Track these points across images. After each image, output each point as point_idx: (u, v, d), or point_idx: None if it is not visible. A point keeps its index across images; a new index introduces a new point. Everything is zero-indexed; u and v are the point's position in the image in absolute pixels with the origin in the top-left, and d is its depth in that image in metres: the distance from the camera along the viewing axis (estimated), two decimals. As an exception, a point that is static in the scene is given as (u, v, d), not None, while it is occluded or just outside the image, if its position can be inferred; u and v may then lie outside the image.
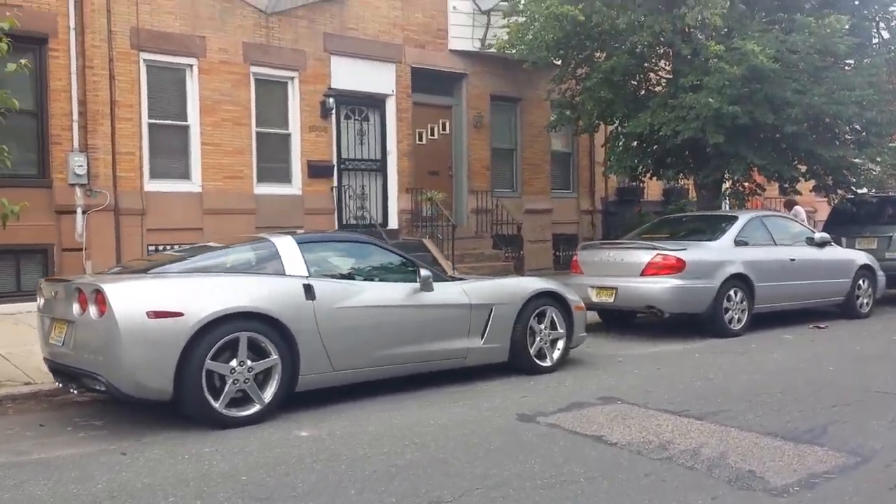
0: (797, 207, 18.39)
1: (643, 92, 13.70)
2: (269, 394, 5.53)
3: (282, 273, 5.86)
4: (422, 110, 15.35)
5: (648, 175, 14.71)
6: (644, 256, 9.44)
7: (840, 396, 6.11)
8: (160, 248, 11.88)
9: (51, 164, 11.09)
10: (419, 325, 6.38)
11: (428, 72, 15.15)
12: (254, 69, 12.91)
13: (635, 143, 13.80)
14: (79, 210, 11.13)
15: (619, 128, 13.94)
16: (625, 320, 10.37)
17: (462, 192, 15.92)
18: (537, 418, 5.52)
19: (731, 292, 9.57)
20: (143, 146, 11.87)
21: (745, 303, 9.71)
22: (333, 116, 13.89)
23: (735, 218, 10.35)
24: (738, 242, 9.98)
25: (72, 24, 11.05)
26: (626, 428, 5.23)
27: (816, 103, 11.48)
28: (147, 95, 11.97)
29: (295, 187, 13.45)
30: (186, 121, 12.34)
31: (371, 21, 14.29)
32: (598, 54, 13.31)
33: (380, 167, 14.69)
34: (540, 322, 7.28)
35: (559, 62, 13.82)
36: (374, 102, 14.59)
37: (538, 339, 7.25)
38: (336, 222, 13.84)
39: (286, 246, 6.07)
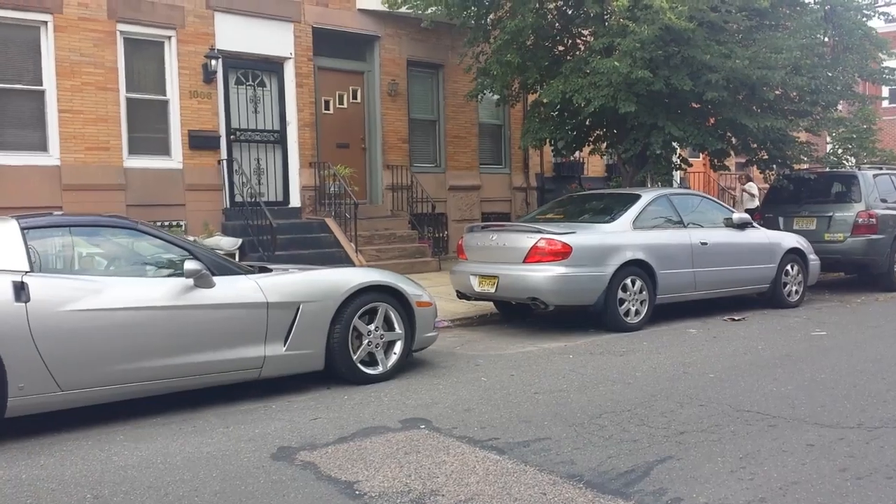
0: (750, 184, 17.33)
1: (553, 56, 12.42)
2: (-47, 423, 4.30)
3: (-17, 268, 4.61)
4: (328, 76, 14.04)
5: (567, 149, 13.49)
6: (527, 241, 8.25)
7: (699, 418, 4.97)
8: (9, 228, 10.59)
9: None
10: (191, 331, 5.16)
11: (333, 33, 13.82)
12: (121, 27, 11.54)
13: (554, 113, 12.57)
14: None
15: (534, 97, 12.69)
16: (525, 312, 9.18)
17: (376, 166, 14.65)
18: (299, 453, 4.33)
19: (628, 281, 8.42)
20: (-17, 114, 10.50)
21: (644, 293, 8.57)
22: (220, 81, 12.55)
23: (637, 197, 9.16)
24: (638, 225, 8.81)
25: None
26: (397, 469, 4.05)
27: (739, 67, 10.28)
28: (-8, 56, 10.58)
29: (175, 160, 12.13)
30: (41, 85, 10.96)
31: (264, -25, 12.91)
32: (506, 14, 12.01)
33: (278, 139, 13.39)
34: (369, 322, 6.08)
35: (460, 22, 12.52)
36: (271, 66, 13.25)
37: (365, 342, 6.05)
38: (226, 200, 12.57)
39: (5, 232, 4.81)
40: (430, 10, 12.73)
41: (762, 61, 10.38)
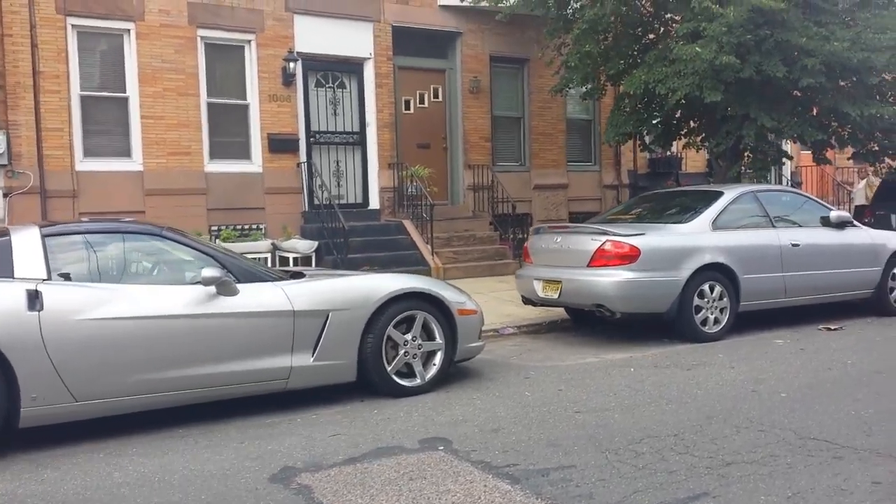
0: (871, 178, 15.98)
1: (638, 46, 11.74)
2: (-31, 433, 4.31)
3: (9, 275, 4.60)
4: (408, 75, 13.86)
5: (656, 143, 12.77)
6: (591, 243, 7.74)
7: (753, 446, 4.40)
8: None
9: (-32, 144, 10.25)
10: (211, 340, 5.02)
11: (413, 31, 13.62)
12: (202, 32, 11.74)
13: (639, 106, 11.91)
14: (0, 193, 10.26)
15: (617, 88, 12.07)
16: (598, 320, 8.63)
17: (457, 166, 14.38)
18: (300, 475, 4.09)
19: (705, 287, 7.77)
20: (75, 121, 10.91)
21: (725, 299, 7.88)
22: (299, 83, 12.60)
23: (718, 195, 8.45)
24: (719, 225, 8.12)
25: (-15, -11, 10.11)
26: (395, 498, 3.74)
27: (838, 50, 9.35)
28: (78, 65, 10.97)
29: (255, 164, 12.25)
30: (125, 92, 11.29)
31: (342, -25, 12.85)
32: (588, 2, 11.43)
33: (358, 140, 13.32)
34: (406, 332, 5.79)
35: (542, 12, 12.03)
36: (350, 67, 13.19)
37: (401, 352, 5.76)
38: (305, 202, 12.59)
39: (26, 240, 4.81)
40: (509, 2, 12.33)
41: (865, 43, 9.41)
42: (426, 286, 5.94)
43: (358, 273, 6.63)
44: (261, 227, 12.16)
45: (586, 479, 3.94)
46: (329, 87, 13.08)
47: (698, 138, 12.45)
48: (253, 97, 12.22)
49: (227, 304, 5.09)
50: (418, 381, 5.83)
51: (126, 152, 11.33)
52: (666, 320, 7.74)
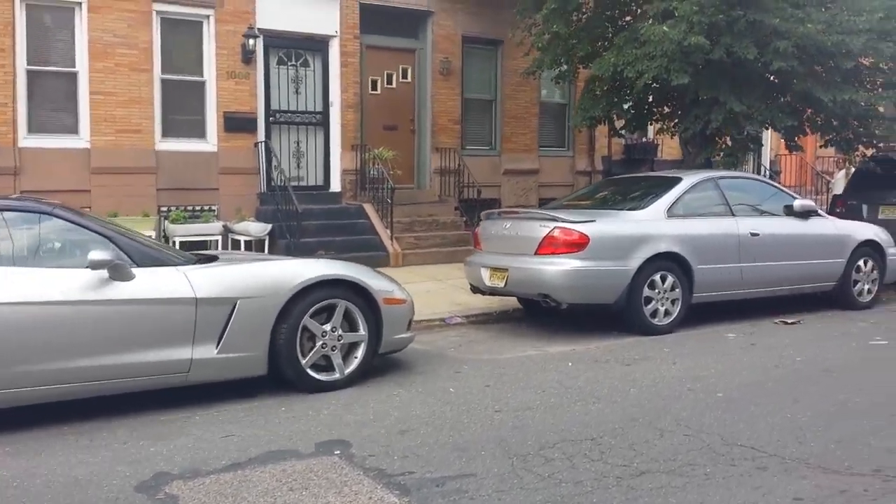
0: (850, 167, 15.64)
1: (613, 28, 11.34)
2: None
3: None
4: (377, 55, 13.42)
5: (627, 129, 12.40)
6: (540, 230, 7.38)
7: (674, 452, 4.08)
8: (40, 211, 10.53)
9: None
10: (102, 329, 4.65)
11: (383, 9, 13.17)
12: (157, 6, 11.27)
13: (606, 89, 11.52)
14: (-66, 168, 9.84)
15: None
16: (553, 310, 8.26)
17: (425, 149, 13.97)
18: (170, 484, 3.73)
19: (656, 277, 7.43)
20: (19, 96, 10.47)
21: (677, 290, 7.55)
22: (259, 61, 12.15)
23: (676, 181, 8.10)
24: (674, 212, 7.77)
25: (-78, -44, 9.63)
26: (262, 510, 3.39)
27: (812, 32, 8.98)
28: (25, 38, 10.50)
29: (209, 143, 11.83)
30: (74, 67, 10.83)
31: (306, -51, 12.38)
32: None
33: (321, 121, 12.90)
34: (325, 322, 5.43)
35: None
36: (315, 45, 12.75)
37: (319, 344, 5.40)
38: (262, 184, 12.18)
39: None
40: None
41: (841, 25, 9.04)
42: (348, 273, 5.57)
43: (276, 258, 6.26)
44: (213, 208, 11.77)
45: (483, 491, 3.61)
46: (292, 66, 12.65)
47: (671, 124, 12.08)
48: (210, 74, 11.78)
49: (120, 290, 4.71)
50: (336, 375, 5.48)
51: (73, 129, 10.90)
52: (615, 311, 7.40)
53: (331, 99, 12.90)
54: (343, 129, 12.92)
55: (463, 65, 14.20)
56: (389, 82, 13.68)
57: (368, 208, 12.47)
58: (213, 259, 5.58)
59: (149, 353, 4.80)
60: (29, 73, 10.55)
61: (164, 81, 11.46)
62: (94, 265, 4.58)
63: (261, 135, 12.18)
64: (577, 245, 7.15)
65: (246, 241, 11.34)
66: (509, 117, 14.89)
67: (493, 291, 7.92)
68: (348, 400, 5.19)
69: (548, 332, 7.66)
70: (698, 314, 7.85)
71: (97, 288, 4.66)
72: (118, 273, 4.70)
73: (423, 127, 13.94)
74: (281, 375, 5.32)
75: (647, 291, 7.38)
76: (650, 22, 9.52)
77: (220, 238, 11.35)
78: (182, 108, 11.69)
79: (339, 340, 5.49)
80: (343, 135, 12.93)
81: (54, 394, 4.60)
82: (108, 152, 10.97)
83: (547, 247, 7.28)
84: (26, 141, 10.53)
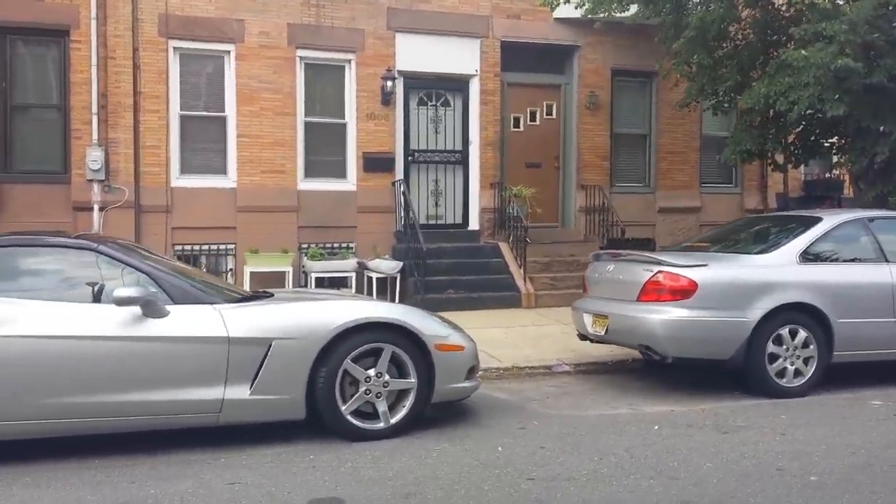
0: None
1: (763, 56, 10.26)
2: None
3: (-79, 288, 4.49)
4: (520, 91, 13.15)
5: (791, 163, 11.15)
6: (642, 274, 6.64)
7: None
8: (187, 247, 11.23)
9: (71, 160, 10.82)
10: (132, 365, 4.64)
11: (525, 45, 12.90)
12: (301, 53, 11.73)
13: (760, 120, 10.44)
14: (95, 207, 10.73)
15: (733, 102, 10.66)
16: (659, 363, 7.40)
17: (570, 187, 13.43)
18: (136, 529, 3.55)
19: (784, 331, 6.42)
20: (172, 139, 11.22)
21: (811, 347, 6.48)
22: (399, 102, 12.28)
23: (815, 220, 7.00)
24: (809, 257, 6.70)
25: (93, 14, 10.65)
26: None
27: None
28: (179, 86, 11.30)
29: (349, 182, 12.06)
30: (223, 111, 11.50)
31: (449, -10, 12.42)
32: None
33: (460, 159, 12.77)
34: (369, 367, 5.12)
35: (660, 20, 10.88)
36: (454, 85, 12.70)
37: (362, 390, 5.09)
38: (399, 222, 12.19)
39: (-49, 252, 4.69)
40: (627, 12, 11.27)
41: None
42: (395, 315, 5.24)
43: (328, 297, 6.03)
44: (351, 245, 11.93)
45: (448, 574, 3.09)
46: (431, 106, 12.66)
47: (840, 157, 10.70)
48: (350, 116, 12.05)
49: (152, 327, 4.70)
50: (381, 423, 5.13)
51: (221, 170, 11.51)
52: (730, 369, 6.47)
53: (470, 137, 12.75)
54: (482, 167, 12.70)
55: (612, 98, 13.54)
56: (533, 119, 13.31)
57: (503, 247, 12.11)
58: (264, 297, 5.47)
59: (179, 392, 4.72)
60: (181, 117, 11.30)
61: (306, 124, 11.85)
62: (119, 302, 4.59)
63: (399, 174, 12.24)
64: (684, 292, 6.33)
65: (378, 279, 11.38)
66: (665, 152, 13.96)
67: (597, 339, 7.23)
68: (383, 452, 4.82)
69: (660, 387, 6.85)
70: (844, 375, 6.69)
71: (130, 324, 4.67)
72: (150, 310, 4.69)
73: (568, 164, 13.41)
74: (322, 421, 5.05)
75: (772, 347, 6.39)
76: (795, 46, 8.47)
77: (353, 275, 11.47)
78: (323, 149, 12.03)
79: (384, 387, 5.15)
80: (482, 173, 12.71)
81: (86, 427, 4.63)
82: (253, 192, 11.46)
83: (650, 293, 6.53)
84: (178, 181, 11.25)
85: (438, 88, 12.67)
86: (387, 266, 11.35)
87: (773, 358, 6.40)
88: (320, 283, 11.49)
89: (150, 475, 4.37)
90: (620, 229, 12.39)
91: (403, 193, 11.78)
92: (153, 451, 4.76)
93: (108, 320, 4.65)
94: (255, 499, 3.98)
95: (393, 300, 11.29)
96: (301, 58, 11.77)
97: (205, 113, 11.47)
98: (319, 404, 5.00)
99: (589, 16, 11.72)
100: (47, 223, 10.43)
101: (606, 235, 12.91)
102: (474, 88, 12.70)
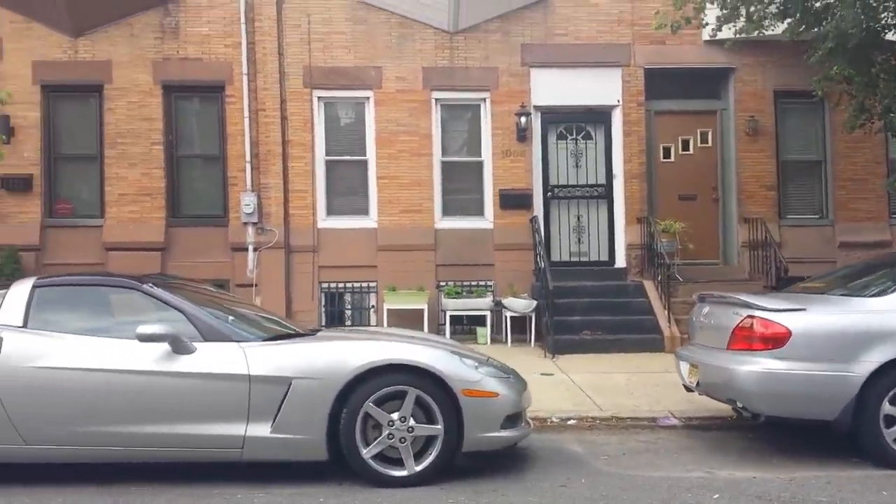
0: None
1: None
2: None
3: (-14, 323, 5.04)
4: (668, 120, 12.49)
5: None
6: (732, 319, 5.92)
7: None
8: (332, 285, 11.73)
9: (228, 204, 11.76)
10: (158, 399, 4.88)
11: (672, 71, 12.25)
12: (436, 94, 11.97)
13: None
14: (250, 247, 11.55)
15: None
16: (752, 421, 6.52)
17: (731, 220, 12.43)
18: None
19: (903, 388, 5.42)
20: (318, 183, 11.86)
21: (942, 409, 5.41)
22: (536, 137, 12.12)
23: (953, 257, 5.89)
24: (938, 300, 5.63)
25: (244, 70, 11.60)
26: None
27: None
28: (324, 132, 11.94)
29: (486, 220, 12.03)
30: (364, 155, 11.97)
31: (586, 22, 12.13)
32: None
33: (603, 194, 12.30)
34: (395, 410, 4.99)
35: (780, 31, 9.87)
36: (595, 117, 12.32)
37: (385, 434, 4.97)
38: (538, 259, 11.90)
39: (18, 290, 5.22)
40: (776, 29, 10.34)
41: None
42: (417, 358, 5.06)
43: (365, 337, 5.91)
44: (489, 283, 11.82)
45: None
46: (571, 140, 12.32)
47: None
48: (486, 154, 12.05)
49: (180, 363, 4.92)
50: (405, 471, 4.96)
51: (364, 210, 11.95)
52: (838, 432, 5.55)
53: (614, 171, 12.24)
54: (627, 201, 12.13)
55: (776, 123, 12.41)
56: (685, 148, 12.53)
57: (648, 286, 11.41)
58: (303, 335, 5.54)
59: (204, 427, 4.89)
60: (326, 162, 11.89)
61: (443, 163, 12.02)
62: (142, 338, 4.84)
63: (538, 210, 12.00)
64: (775, 340, 5.56)
65: (513, 317, 11.18)
66: (844, 179, 12.52)
67: (697, 390, 6.52)
68: (397, 502, 4.64)
69: (768, 449, 6.07)
70: None
71: (161, 360, 4.92)
72: (177, 346, 4.92)
73: (727, 195, 12.44)
74: (345, 463, 4.99)
75: (889, 408, 5.42)
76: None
77: (488, 313, 11.36)
78: (460, 188, 12.13)
79: (409, 432, 4.99)
80: (627, 207, 12.13)
81: (118, 456, 4.95)
82: (393, 231, 11.77)
83: (739, 340, 5.79)
84: (324, 222, 11.83)
85: (578, 122, 12.32)
86: (520, 305, 11.12)
87: (892, 421, 5.41)
88: (456, 321, 11.51)
89: (162, 508, 4.53)
90: (783, 267, 11.15)
91: (536, 231, 11.50)
92: (175, 483, 4.95)
93: (141, 356, 4.93)
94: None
95: (528, 340, 11.06)
96: (436, 99, 11.99)
97: (347, 157, 12.00)
98: (342, 447, 4.94)
99: (738, 35, 10.85)
100: (209, 262, 11.54)
101: (776, 273, 11.70)
102: (616, 119, 12.21)
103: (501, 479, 5.14)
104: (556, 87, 12.06)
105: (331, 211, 11.94)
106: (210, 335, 5.08)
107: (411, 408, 4.99)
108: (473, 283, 11.84)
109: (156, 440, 4.88)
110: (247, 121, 11.61)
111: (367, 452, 4.95)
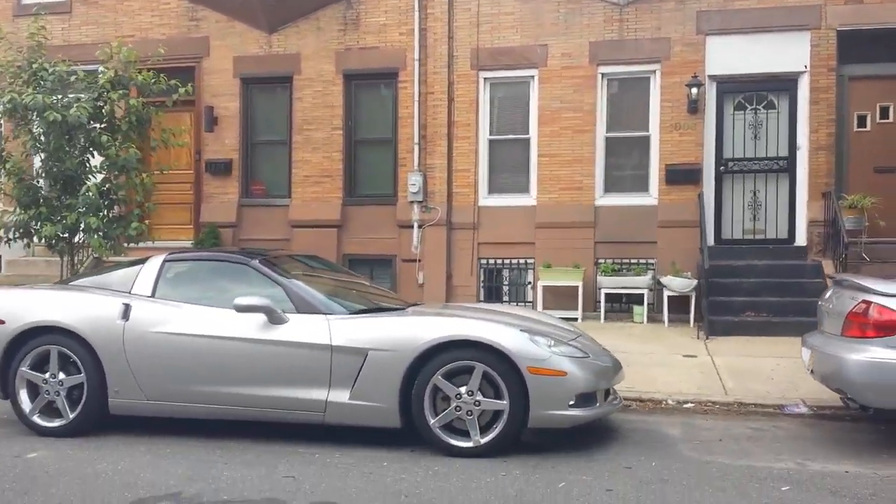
0: None
1: None
2: (77, 410, 5.69)
3: (127, 291, 5.89)
4: (864, 86, 11.33)
5: None
6: (848, 303, 5.41)
7: None
8: (490, 261, 12.04)
9: (398, 184, 12.42)
10: (255, 364, 5.45)
11: (871, 33, 11.02)
12: (602, 69, 11.74)
13: None
14: (415, 225, 12.15)
15: None
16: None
17: (940, 194, 11.00)
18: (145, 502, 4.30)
19: None
20: (481, 163, 12.14)
21: None
22: (710, 109, 11.52)
23: None
24: None
25: (416, 56, 12.13)
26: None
27: None
28: (488, 112, 12.19)
29: (651, 196, 11.66)
30: (527, 133, 12.07)
31: (771, -17, 11.24)
32: None
33: (784, 167, 11.42)
34: (462, 384, 5.20)
35: None
36: (778, 85, 11.44)
37: (452, 406, 5.19)
38: (707, 237, 11.34)
39: (150, 264, 6.03)
40: None
41: None
42: (486, 335, 5.20)
43: (448, 314, 6.04)
44: (650, 262, 11.47)
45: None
46: (751, 110, 11.52)
47: None
48: (654, 128, 11.63)
49: (274, 333, 5.46)
50: (470, 442, 5.16)
51: (524, 189, 12.06)
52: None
53: (798, 142, 11.29)
54: (811, 174, 11.16)
55: None
56: (885, 116, 11.26)
57: (827, 266, 10.46)
58: (392, 310, 5.88)
59: (292, 390, 5.41)
60: (489, 142, 12.14)
61: (607, 139, 11.78)
62: (239, 309, 5.43)
63: (708, 185, 11.41)
64: (889, 328, 5.03)
65: (672, 297, 10.81)
66: None
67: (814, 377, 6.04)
68: (453, 470, 4.88)
69: (892, 444, 5.51)
70: None
71: (259, 329, 5.49)
72: (272, 317, 5.47)
73: (936, 166, 11.02)
74: (417, 431, 5.28)
75: None
76: None
77: (646, 292, 11.08)
78: (624, 164, 11.84)
79: (476, 406, 5.17)
80: (811, 181, 11.17)
81: (221, 413, 5.59)
82: (552, 209, 11.79)
83: (853, 327, 5.30)
84: (485, 201, 12.12)
85: (759, 91, 11.49)
86: (679, 283, 10.70)
87: None
88: (615, 299, 11.33)
89: (250, 460, 5.10)
90: None
91: (701, 206, 10.93)
92: (265, 439, 5.52)
93: (243, 324, 5.53)
94: (266, 492, 4.44)
95: (689, 320, 10.64)
96: (603, 74, 11.74)
97: (510, 136, 12.15)
98: (413, 416, 5.23)
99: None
100: (378, 239, 12.32)
101: None
102: (803, 87, 11.23)
103: (565, 456, 5.16)
104: (734, 55, 11.32)
105: (492, 189, 12.17)
106: (303, 307, 5.57)
107: (479, 382, 5.15)
108: (633, 261, 11.55)
109: (252, 401, 5.46)
110: (416, 104, 12.14)
111: (435, 422, 5.20)
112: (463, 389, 5.16)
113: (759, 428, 6.08)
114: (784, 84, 11.37)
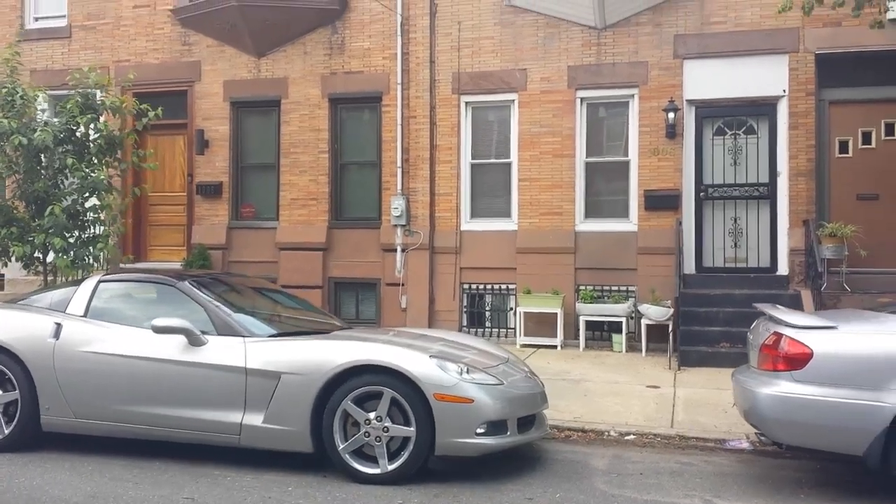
0: None
1: None
2: (12, 426, 5.86)
3: (62, 310, 6.06)
4: (845, 111, 11.21)
5: None
6: (763, 334, 5.38)
7: None
8: (473, 286, 12.08)
9: (382, 208, 12.54)
10: (175, 385, 5.58)
11: (850, 57, 10.94)
12: (581, 93, 11.77)
13: None
14: (398, 248, 12.25)
15: None
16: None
17: (920, 223, 10.83)
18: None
19: (950, 426, 4.60)
20: (463, 186, 12.21)
21: None
22: (689, 134, 11.47)
23: None
24: None
25: (399, 80, 12.30)
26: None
27: None
28: (470, 136, 12.27)
29: (631, 222, 11.61)
30: (509, 157, 12.13)
31: (747, 6, 11.21)
32: None
33: (766, 193, 11.31)
34: (372, 409, 5.26)
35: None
36: (758, 110, 11.37)
37: (361, 432, 5.25)
38: (682, 264, 11.23)
39: (87, 284, 6.21)
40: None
41: None
42: (389, 359, 5.24)
43: (364, 337, 6.08)
44: (631, 289, 11.42)
45: None
46: (731, 135, 11.45)
47: None
48: (633, 153, 11.62)
49: (193, 355, 5.59)
50: (377, 469, 5.20)
51: (506, 213, 12.09)
52: (867, 467, 4.83)
53: (778, 168, 11.20)
54: (791, 201, 11.05)
55: None
56: (866, 142, 11.12)
57: (805, 297, 10.33)
58: (316, 333, 5.97)
59: (208, 413, 5.52)
60: (471, 166, 12.23)
61: (586, 164, 11.79)
62: (156, 330, 5.56)
63: (687, 212, 11.35)
64: (795, 361, 4.98)
65: (651, 325, 10.75)
66: None
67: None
68: (355, 496, 4.94)
69: (822, 482, 5.45)
70: None
71: (179, 350, 5.62)
72: (191, 339, 5.60)
73: (918, 194, 10.85)
74: (328, 457, 5.34)
75: (929, 446, 4.64)
76: None
77: (625, 319, 11.01)
78: (603, 189, 11.83)
79: (384, 432, 5.23)
80: (791, 208, 11.05)
81: (143, 433, 5.74)
82: (532, 234, 11.81)
83: (766, 360, 5.25)
84: (467, 225, 12.18)
85: (738, 115, 11.43)
86: (655, 312, 10.63)
87: (933, 462, 4.62)
88: (595, 326, 11.28)
89: (162, 481, 5.20)
90: (964, 277, 9.56)
91: (678, 233, 10.88)
92: (181, 460, 5.61)
93: (166, 346, 5.66)
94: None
95: (666, 350, 10.55)
96: (581, 98, 11.78)
97: (492, 160, 12.21)
98: (325, 441, 5.29)
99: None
100: (363, 262, 12.48)
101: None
102: (782, 111, 11.16)
103: (470, 485, 5.18)
104: (712, 79, 11.29)
105: (474, 213, 12.22)
106: (223, 329, 5.70)
107: (387, 408, 5.21)
108: (613, 288, 11.50)
109: (172, 422, 5.59)
110: (399, 128, 12.29)
111: (344, 448, 5.26)
112: (372, 415, 5.22)
113: (688, 462, 6.02)
114: (763, 109, 11.31)
